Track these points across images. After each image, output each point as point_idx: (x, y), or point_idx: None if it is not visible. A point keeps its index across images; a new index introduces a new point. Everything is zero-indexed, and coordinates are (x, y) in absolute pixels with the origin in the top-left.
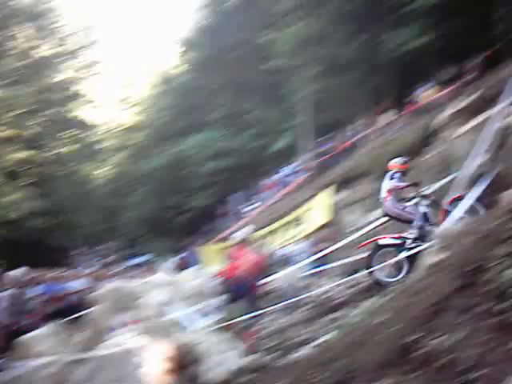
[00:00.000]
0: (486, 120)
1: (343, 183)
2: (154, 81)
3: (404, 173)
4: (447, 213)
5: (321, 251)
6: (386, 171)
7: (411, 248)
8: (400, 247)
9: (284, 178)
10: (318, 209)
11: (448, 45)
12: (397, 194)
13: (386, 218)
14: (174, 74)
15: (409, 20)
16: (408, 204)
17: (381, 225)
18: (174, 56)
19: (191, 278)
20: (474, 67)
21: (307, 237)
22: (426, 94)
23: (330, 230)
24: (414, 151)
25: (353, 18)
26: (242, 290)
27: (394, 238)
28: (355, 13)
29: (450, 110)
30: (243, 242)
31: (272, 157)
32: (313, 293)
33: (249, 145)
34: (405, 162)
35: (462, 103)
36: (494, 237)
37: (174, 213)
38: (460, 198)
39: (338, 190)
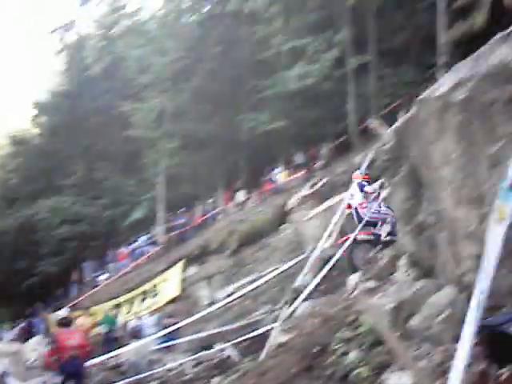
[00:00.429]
0: (334, 205)
1: (197, 257)
2: (2, 141)
3: (369, 182)
4: None
5: (172, 325)
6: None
7: (386, 241)
8: (374, 242)
9: (139, 249)
10: (171, 282)
11: (302, 131)
12: (370, 199)
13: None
14: (26, 136)
15: (266, 104)
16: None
17: (234, 300)
18: (26, 118)
19: (34, 348)
20: (325, 154)
21: (159, 310)
22: (281, 175)
23: (183, 304)
24: (269, 229)
25: (213, 97)
26: (71, 370)
27: (368, 234)
28: (216, 92)
29: (301, 193)
30: (66, 323)
31: (128, 226)
32: (162, 368)
33: (104, 212)
34: (366, 174)
35: (313, 188)
36: (339, 319)
37: (22, 278)
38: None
39: (191, 264)
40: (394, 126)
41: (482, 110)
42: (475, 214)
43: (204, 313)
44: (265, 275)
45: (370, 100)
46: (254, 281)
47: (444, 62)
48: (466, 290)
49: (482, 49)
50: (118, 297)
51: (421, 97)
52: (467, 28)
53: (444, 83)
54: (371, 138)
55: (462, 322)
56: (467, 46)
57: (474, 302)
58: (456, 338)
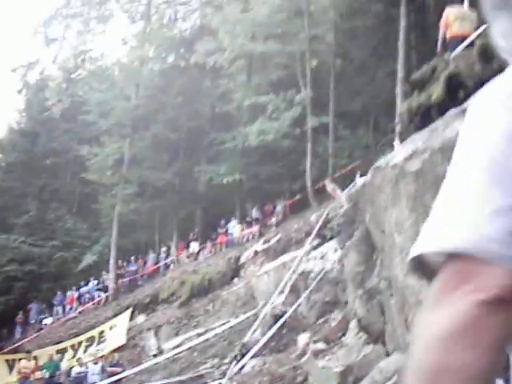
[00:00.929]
0: (288, 262)
1: (146, 306)
2: None
3: None
4: None
5: (116, 374)
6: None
7: None
8: None
9: (87, 294)
10: (117, 330)
11: (258, 186)
12: None
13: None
14: None
15: (225, 157)
16: None
17: (181, 352)
18: None
19: None
20: (281, 210)
21: (104, 357)
22: (236, 228)
23: (129, 353)
24: (221, 282)
25: (172, 146)
26: None
27: None
28: (175, 142)
29: (255, 248)
30: None
31: (78, 270)
32: None
33: (55, 254)
34: None
35: (267, 243)
36: (288, 380)
37: None
38: None
39: (140, 313)
40: (349, 190)
41: (435, 182)
42: (425, 283)
43: (150, 363)
44: (214, 328)
45: (328, 160)
46: (203, 333)
47: (401, 129)
48: None
49: (438, 122)
50: (63, 341)
51: (377, 164)
52: (424, 99)
53: (400, 152)
54: (327, 197)
55: None
56: (425, 116)
57: None
58: None
